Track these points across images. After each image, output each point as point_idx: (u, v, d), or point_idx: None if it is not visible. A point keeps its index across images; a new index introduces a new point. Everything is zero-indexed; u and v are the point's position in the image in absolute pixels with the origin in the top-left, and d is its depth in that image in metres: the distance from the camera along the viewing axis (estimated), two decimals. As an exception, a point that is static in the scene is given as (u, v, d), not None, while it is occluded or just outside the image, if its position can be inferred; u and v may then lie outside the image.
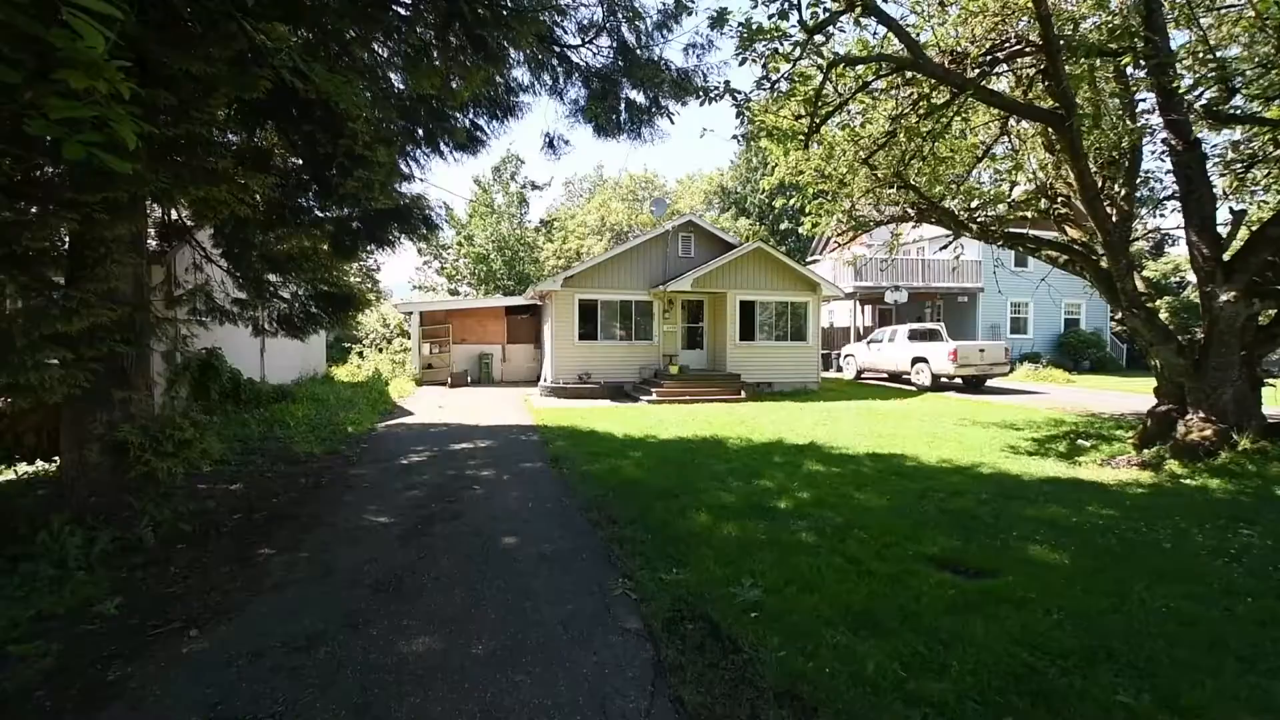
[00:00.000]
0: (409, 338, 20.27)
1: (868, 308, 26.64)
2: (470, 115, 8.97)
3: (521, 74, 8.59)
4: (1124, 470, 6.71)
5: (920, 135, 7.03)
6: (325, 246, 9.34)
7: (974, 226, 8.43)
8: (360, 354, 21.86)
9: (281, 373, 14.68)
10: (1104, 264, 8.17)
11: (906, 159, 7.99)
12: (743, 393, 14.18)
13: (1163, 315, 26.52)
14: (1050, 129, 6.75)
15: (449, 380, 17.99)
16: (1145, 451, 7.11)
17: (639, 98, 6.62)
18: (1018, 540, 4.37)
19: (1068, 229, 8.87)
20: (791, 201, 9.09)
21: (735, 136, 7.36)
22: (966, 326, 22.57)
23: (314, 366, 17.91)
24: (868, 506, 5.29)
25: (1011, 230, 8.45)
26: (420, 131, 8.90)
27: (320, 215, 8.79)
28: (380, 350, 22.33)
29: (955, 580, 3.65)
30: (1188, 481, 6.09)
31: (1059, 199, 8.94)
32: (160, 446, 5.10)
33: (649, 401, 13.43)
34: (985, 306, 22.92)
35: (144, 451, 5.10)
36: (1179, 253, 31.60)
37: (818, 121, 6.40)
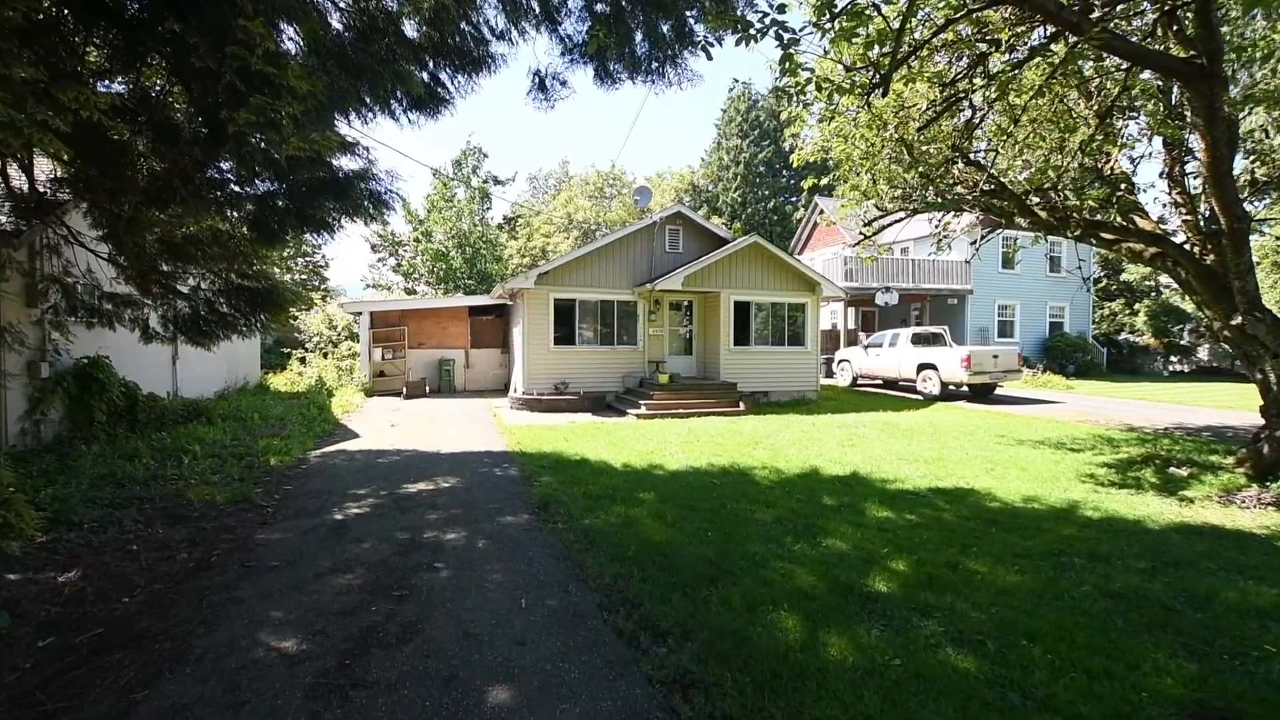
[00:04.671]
0: (358, 341, 17.99)
1: (852, 309, 25.63)
2: (430, 66, 7.14)
3: (496, 17, 6.84)
4: (1261, 511, 5.42)
5: (1003, 88, 5.59)
6: (245, 230, 7.38)
7: (1043, 214, 7.09)
8: (302, 360, 19.35)
9: (201, 384, 12.35)
10: (1196, 256, 6.99)
11: (973, 129, 6.59)
12: (741, 404, 12.66)
13: (1141, 319, 25.83)
14: (1182, 86, 5.42)
15: (404, 390, 15.86)
16: (1271, 485, 5.87)
17: (661, 26, 4.96)
18: None
19: (1136, 220, 7.66)
20: (822, 181, 7.58)
21: (774, 90, 5.79)
22: (955, 329, 21.71)
23: (244, 375, 15.50)
24: (1001, 588, 3.76)
25: (1093, 219, 7.14)
26: (365, 83, 6.95)
27: (238, 190, 6.85)
28: (325, 355, 19.88)
29: (1290, 778, 2.13)
30: (1364, 532, 4.82)
31: (1123, 185, 7.75)
32: (-83, 529, 3.15)
33: (637, 415, 11.75)
34: (974, 309, 22.15)
35: (-111, 537, 3.16)
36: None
37: (900, 59, 4.87)
